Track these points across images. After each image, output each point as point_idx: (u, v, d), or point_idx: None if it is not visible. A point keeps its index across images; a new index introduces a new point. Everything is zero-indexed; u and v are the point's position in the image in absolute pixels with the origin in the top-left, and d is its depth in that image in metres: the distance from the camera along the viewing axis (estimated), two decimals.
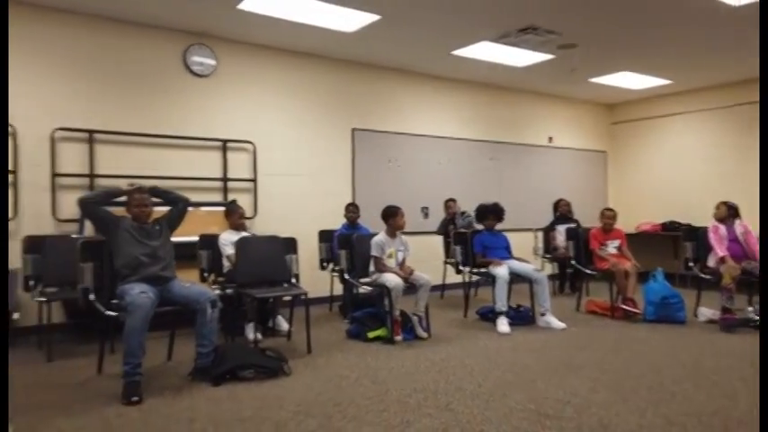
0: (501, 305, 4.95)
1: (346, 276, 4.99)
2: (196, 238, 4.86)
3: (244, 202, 5.92)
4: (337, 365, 3.86)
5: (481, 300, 6.10)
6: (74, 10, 5.10)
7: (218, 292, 4.24)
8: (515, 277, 5.17)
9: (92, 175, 5.19)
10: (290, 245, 4.69)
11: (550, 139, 8.82)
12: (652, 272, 5.38)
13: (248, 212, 5.94)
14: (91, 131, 5.21)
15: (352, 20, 5.49)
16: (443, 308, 6.02)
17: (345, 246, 5.01)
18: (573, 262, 5.93)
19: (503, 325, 4.89)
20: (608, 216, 5.80)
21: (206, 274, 4.84)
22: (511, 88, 8.31)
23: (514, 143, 8.40)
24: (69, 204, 5.01)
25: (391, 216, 4.86)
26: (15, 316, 4.33)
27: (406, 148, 7.33)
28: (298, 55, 6.47)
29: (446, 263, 6.58)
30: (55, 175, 5.01)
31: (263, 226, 5.88)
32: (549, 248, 7.11)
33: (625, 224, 8.12)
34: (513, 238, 5.70)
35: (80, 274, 3.58)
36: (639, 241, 7.91)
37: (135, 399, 3.11)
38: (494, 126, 8.21)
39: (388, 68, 7.17)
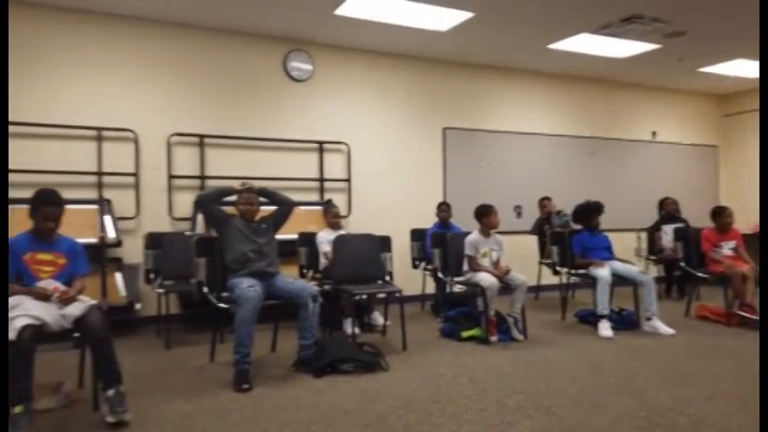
0: (603, 308, 4.74)
1: (440, 275, 4.99)
2: (295, 236, 5.08)
3: (339, 201, 6.12)
4: (433, 363, 3.88)
5: (579, 302, 5.88)
6: (183, 23, 5.49)
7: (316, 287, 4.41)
8: (617, 279, 4.93)
9: (202, 177, 5.57)
10: (384, 243, 4.78)
11: (654, 133, 8.32)
12: None
13: (343, 211, 6.11)
14: (201, 136, 5.59)
15: (446, 19, 5.49)
16: (538, 310, 5.86)
17: (439, 244, 5.02)
18: (682, 264, 5.55)
19: (605, 329, 4.68)
20: (728, 215, 5.37)
21: (305, 271, 5.04)
22: (611, 81, 7.93)
23: (615, 138, 8.01)
24: (183, 204, 5.42)
25: (485, 215, 4.81)
26: (138, 306, 4.78)
27: (498, 146, 7.21)
28: (390, 56, 6.57)
29: (541, 263, 6.40)
30: (171, 176, 5.43)
31: (356, 225, 6.03)
32: (654, 249, 6.71)
33: (740, 224, 7.50)
34: (613, 239, 5.43)
35: (195, 269, 3.86)
36: (755, 243, 7.24)
37: (245, 386, 3.31)
38: (593, 121, 7.87)
39: (480, 65, 7.09)
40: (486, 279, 4.47)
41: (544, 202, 6.65)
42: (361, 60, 6.44)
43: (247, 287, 3.55)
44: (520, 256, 6.48)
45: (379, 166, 6.51)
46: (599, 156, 7.88)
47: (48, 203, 3.02)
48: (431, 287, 5.84)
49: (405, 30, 5.77)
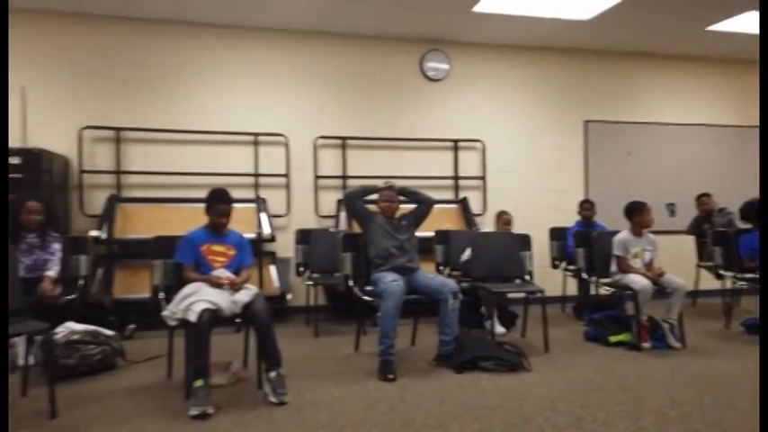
0: None
1: (584, 275, 4.77)
2: (432, 234, 5.14)
3: (474, 199, 6.09)
4: (579, 367, 3.72)
5: (746, 311, 5.27)
6: (324, 31, 5.82)
7: None
8: None
9: (344, 177, 5.86)
10: (523, 241, 4.67)
11: None
12: None
13: (478, 209, 6.09)
14: (343, 138, 5.88)
15: (590, 6, 5.23)
16: (697, 317, 5.35)
17: (583, 243, 4.79)
18: None
19: None
20: None
21: (441, 267, 5.09)
22: None
23: None
24: (327, 202, 5.75)
25: (637, 212, 4.50)
26: (289, 296, 5.17)
27: (647, 139, 6.70)
28: (528, 49, 6.41)
29: (699, 266, 5.83)
30: (317, 177, 5.79)
31: (492, 223, 5.94)
32: None
33: None
34: None
35: (341, 263, 4.08)
36: None
37: (390, 376, 3.43)
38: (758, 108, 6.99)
39: (626, 53, 6.65)
40: (639, 281, 4.18)
41: (703, 198, 6.05)
42: (498, 55, 6.35)
43: (391, 281, 3.68)
44: (674, 258, 5.96)
45: (515, 162, 6.38)
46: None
47: (219, 201, 3.40)
48: (572, 289, 5.59)
49: (544, 21, 5.59)
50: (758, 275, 4.49)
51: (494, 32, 5.97)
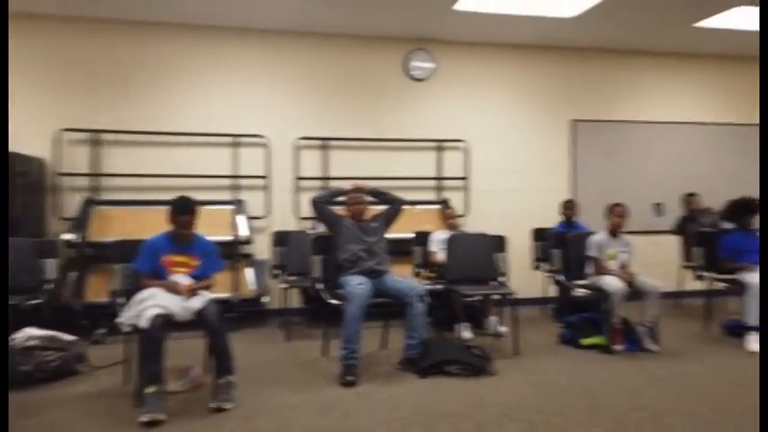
0: (753, 319, 4.12)
1: (559, 278, 4.71)
2: (412, 235, 5.10)
3: (456, 200, 6.04)
4: (546, 371, 3.67)
5: (729, 312, 5.18)
6: (306, 31, 5.78)
7: (428, 287, 4.39)
8: None
9: (326, 178, 5.83)
10: (498, 243, 4.62)
11: None
12: None
13: (461, 210, 6.03)
14: (325, 139, 5.85)
15: (575, 4, 5.16)
16: (678, 318, 5.29)
17: (559, 245, 4.74)
18: None
19: (753, 342, 4.08)
20: None
21: (419, 270, 5.05)
22: None
23: None
24: (308, 204, 5.69)
25: (606, 213, 4.45)
26: (265, 299, 5.15)
27: (634, 138, 6.61)
28: (513, 48, 6.34)
29: (684, 267, 5.74)
30: (297, 178, 5.76)
31: (475, 224, 5.89)
32: None
33: None
34: None
35: (311, 266, 4.05)
36: None
37: (350, 379, 3.40)
38: (748, 107, 6.87)
39: (613, 51, 6.56)
40: (611, 283, 4.12)
41: (689, 198, 5.97)
42: (483, 54, 6.28)
43: (356, 285, 3.65)
44: (660, 259, 5.93)
45: (499, 163, 6.31)
46: (755, 146, 6.85)
47: (182, 213, 3.29)
48: (554, 290, 5.53)
49: (527, 19, 5.52)
50: (735, 277, 4.42)
51: (479, 31, 5.91)
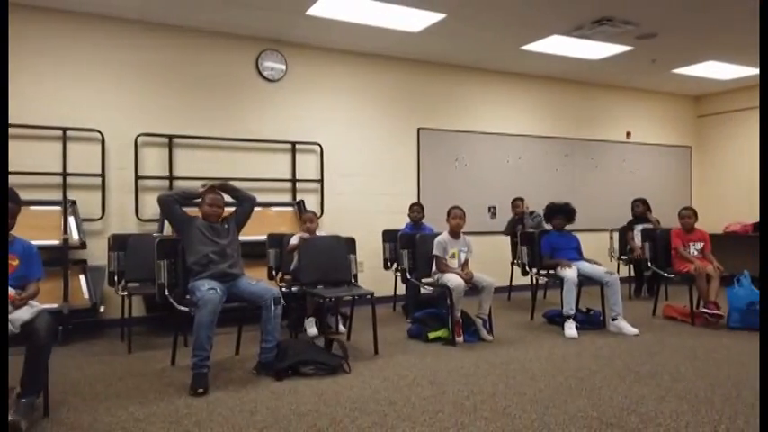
0: (568, 308, 4.77)
1: (408, 276, 4.99)
2: (265, 237, 5.05)
3: (311, 201, 6.09)
4: (397, 365, 3.88)
5: (551, 303, 5.92)
6: (153, 22, 5.44)
7: (284, 289, 4.39)
8: (586, 280, 4.97)
9: (171, 178, 5.51)
10: (350, 245, 4.76)
11: (628, 134, 8.40)
12: (737, 275, 4.99)
13: (316, 212, 6.08)
14: (170, 136, 5.53)
15: (418, 19, 5.49)
16: (510, 310, 5.90)
17: (408, 245, 5.02)
18: (650, 264, 5.60)
19: (570, 329, 4.72)
20: (685, 216, 5.44)
21: (274, 272, 5.01)
22: (585, 82, 7.99)
23: (589, 139, 8.07)
24: (150, 205, 5.36)
25: (447, 216, 4.84)
26: (101, 309, 4.72)
27: (473, 147, 7.23)
28: (364, 56, 6.56)
29: (513, 264, 6.43)
30: (138, 177, 5.37)
31: (329, 225, 6.00)
32: (626, 250, 6.77)
33: (712, 225, 7.62)
34: (587, 240, 5.49)
35: (156, 271, 3.81)
36: (727, 243, 7.36)
37: (200, 390, 3.27)
38: (567, 122, 7.92)
39: (454, 66, 7.11)
40: (453, 280, 4.48)
41: (516, 202, 6.68)
42: (335, 60, 6.41)
43: (207, 290, 3.52)
44: (494, 257, 6.56)
45: (352, 166, 6.49)
46: (574, 156, 7.94)
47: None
48: (404, 288, 5.84)
49: (377, 30, 5.76)
50: (554, 272, 5.06)
51: (330, 37, 6.02)
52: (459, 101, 7.20)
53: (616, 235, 6.99)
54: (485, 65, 7.18)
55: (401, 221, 6.07)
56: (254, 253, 5.09)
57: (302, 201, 6.04)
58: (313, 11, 5.23)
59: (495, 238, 6.84)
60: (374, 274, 5.93)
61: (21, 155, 4.89)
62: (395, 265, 5.91)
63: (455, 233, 4.83)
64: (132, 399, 3.20)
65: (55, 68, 5.11)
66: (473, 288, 4.62)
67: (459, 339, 4.43)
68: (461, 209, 4.88)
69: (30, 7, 4.96)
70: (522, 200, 6.65)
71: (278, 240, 5.03)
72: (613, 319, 4.84)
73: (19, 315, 2.78)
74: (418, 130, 6.91)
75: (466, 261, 4.81)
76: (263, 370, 3.66)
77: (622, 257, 6.82)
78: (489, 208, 7.26)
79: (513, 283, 6.56)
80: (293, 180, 6.16)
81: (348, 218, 6.25)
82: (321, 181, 6.30)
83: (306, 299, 4.62)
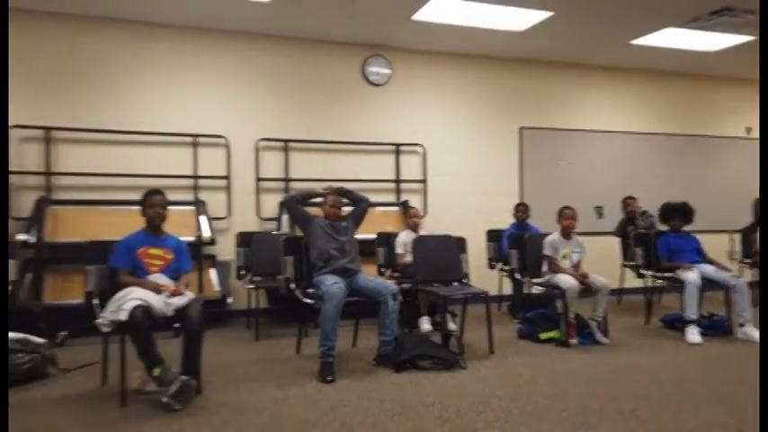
0: (691, 313, 4.55)
1: (517, 276, 4.99)
2: (374, 236, 5.24)
3: (415, 202, 6.24)
4: (511, 364, 3.91)
5: (665, 307, 5.67)
6: (268, 33, 5.81)
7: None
8: (708, 283, 4.72)
9: (287, 179, 5.86)
10: (461, 244, 4.83)
11: (748, 129, 7.83)
12: None
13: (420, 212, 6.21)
14: (286, 140, 5.89)
15: (524, 19, 5.48)
16: (621, 313, 5.71)
17: (516, 245, 5.02)
18: None
19: (693, 334, 4.50)
20: None
21: (382, 270, 5.19)
22: (700, 75, 7.55)
23: (705, 135, 7.62)
24: (269, 204, 5.74)
25: (558, 216, 4.77)
26: (230, 300, 5.13)
27: (578, 145, 7.07)
28: (467, 58, 6.62)
29: (624, 266, 6.21)
30: (258, 179, 5.77)
31: (432, 225, 6.09)
32: (750, 253, 6.32)
33: None
34: (703, 241, 5.19)
35: (282, 266, 4.10)
36: None
37: (329, 378, 3.49)
38: (679, 118, 7.52)
39: (560, 63, 6.99)
40: (567, 281, 4.43)
41: (628, 201, 6.43)
42: (438, 63, 6.52)
43: (332, 284, 3.75)
44: (601, 258, 6.33)
45: (454, 166, 6.57)
46: (688, 154, 7.53)
47: (152, 193, 3.44)
48: (507, 288, 5.83)
49: (481, 31, 5.81)
50: (673, 275, 4.85)
51: (433, 40, 6.14)
52: (564, 98, 7.06)
53: (737, 236, 6.54)
54: (591, 61, 7.00)
55: (503, 221, 6.06)
56: (361, 251, 5.29)
57: (407, 201, 6.20)
58: (419, 16, 5.37)
59: (602, 238, 6.62)
60: (478, 274, 5.91)
61: (158, 160, 5.43)
62: (499, 265, 5.91)
63: (567, 233, 4.76)
64: (268, 382, 3.48)
65: (185, 81, 5.60)
66: (585, 290, 4.54)
67: (573, 341, 4.37)
68: (573, 209, 4.82)
69: (158, 25, 5.47)
70: (633, 199, 6.39)
71: (386, 239, 5.21)
72: (741, 326, 4.57)
73: (174, 300, 3.13)
74: (521, 129, 6.85)
75: (579, 262, 4.73)
76: (382, 362, 3.83)
77: (745, 261, 6.38)
78: (596, 208, 7.05)
79: (624, 286, 6.33)
80: (397, 181, 6.33)
81: (450, 217, 6.32)
82: (424, 181, 6.43)
83: (418, 297, 4.74)
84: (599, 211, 7.06)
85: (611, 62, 7.04)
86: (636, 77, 7.32)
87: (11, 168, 4.96)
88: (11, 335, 3.36)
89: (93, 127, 5.25)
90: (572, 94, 7.09)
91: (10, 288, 3.90)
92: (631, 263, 5.60)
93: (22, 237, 4.52)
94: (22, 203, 4.99)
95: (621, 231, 6.34)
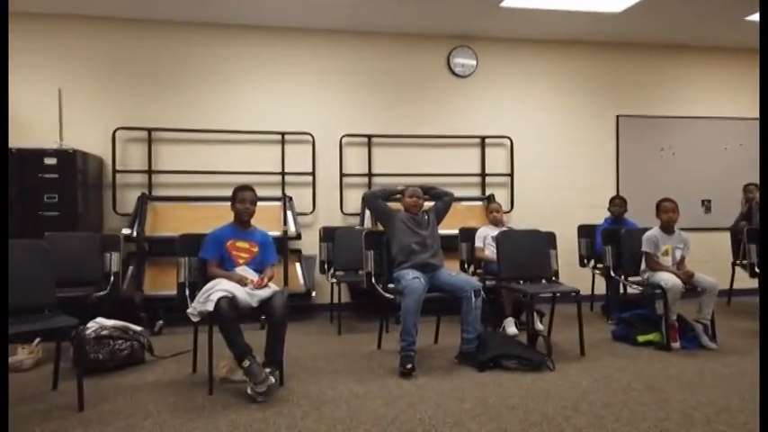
0: None
1: (612, 274, 4.67)
2: (456, 231, 5.11)
3: (501, 196, 6.02)
4: (605, 367, 3.65)
5: None
6: (350, 30, 5.84)
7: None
8: None
9: (370, 174, 5.88)
10: (550, 240, 4.59)
11: None
12: None
13: (505, 207, 6.00)
14: (369, 136, 5.90)
15: None
16: (731, 316, 5.19)
17: (611, 241, 4.69)
18: None
19: None
20: None
21: (465, 265, 5.06)
22: None
23: None
24: (353, 200, 5.78)
25: (657, 209, 4.41)
26: (313, 294, 5.22)
27: (682, 133, 6.52)
28: (558, 43, 6.30)
29: (735, 264, 5.63)
30: (342, 175, 5.82)
31: (519, 220, 5.89)
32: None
33: None
34: None
35: (363, 261, 4.09)
36: None
37: (409, 366, 3.45)
38: None
39: (659, 46, 6.47)
40: (669, 279, 4.08)
41: (750, 187, 5.68)
42: (527, 50, 6.26)
43: (412, 279, 3.69)
44: (708, 256, 5.81)
45: (543, 159, 6.28)
46: None
47: (243, 189, 3.54)
48: (600, 287, 5.48)
49: (573, 15, 5.49)
50: None
51: (521, 27, 5.89)
52: (665, 83, 6.53)
53: None
54: (696, 42, 6.42)
55: (597, 216, 5.70)
56: (444, 246, 5.19)
57: (492, 195, 6.00)
58: (507, 2, 5.17)
59: (710, 234, 6.09)
60: (569, 271, 5.59)
61: (247, 157, 5.63)
62: (592, 262, 5.57)
63: (667, 228, 4.39)
64: (349, 376, 3.48)
65: (271, 80, 5.76)
66: (690, 289, 4.16)
67: (676, 345, 4.01)
68: (673, 201, 4.43)
69: (250, 27, 5.66)
70: (755, 185, 5.65)
71: (470, 234, 5.06)
72: None
73: (259, 292, 3.21)
74: (617, 117, 6.43)
75: (682, 259, 4.35)
76: (464, 360, 3.72)
77: None
78: (703, 201, 6.47)
79: (735, 287, 5.75)
80: (482, 174, 6.15)
81: (539, 212, 6.05)
82: (511, 175, 6.20)
83: (502, 295, 4.57)
84: (706, 205, 6.46)
85: (720, 42, 6.42)
86: (750, 57, 6.62)
87: (117, 168, 5.37)
88: (112, 322, 3.60)
89: (189, 127, 5.54)
90: (674, 79, 6.54)
91: (112, 279, 4.17)
92: (744, 261, 5.06)
93: (125, 231, 4.87)
94: (127, 200, 5.37)
95: (735, 227, 5.73)
